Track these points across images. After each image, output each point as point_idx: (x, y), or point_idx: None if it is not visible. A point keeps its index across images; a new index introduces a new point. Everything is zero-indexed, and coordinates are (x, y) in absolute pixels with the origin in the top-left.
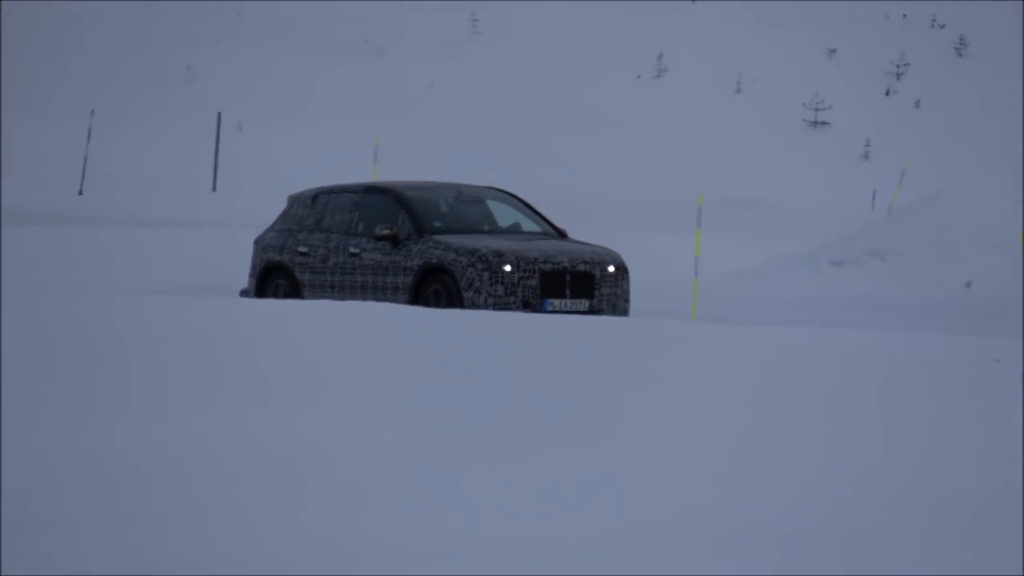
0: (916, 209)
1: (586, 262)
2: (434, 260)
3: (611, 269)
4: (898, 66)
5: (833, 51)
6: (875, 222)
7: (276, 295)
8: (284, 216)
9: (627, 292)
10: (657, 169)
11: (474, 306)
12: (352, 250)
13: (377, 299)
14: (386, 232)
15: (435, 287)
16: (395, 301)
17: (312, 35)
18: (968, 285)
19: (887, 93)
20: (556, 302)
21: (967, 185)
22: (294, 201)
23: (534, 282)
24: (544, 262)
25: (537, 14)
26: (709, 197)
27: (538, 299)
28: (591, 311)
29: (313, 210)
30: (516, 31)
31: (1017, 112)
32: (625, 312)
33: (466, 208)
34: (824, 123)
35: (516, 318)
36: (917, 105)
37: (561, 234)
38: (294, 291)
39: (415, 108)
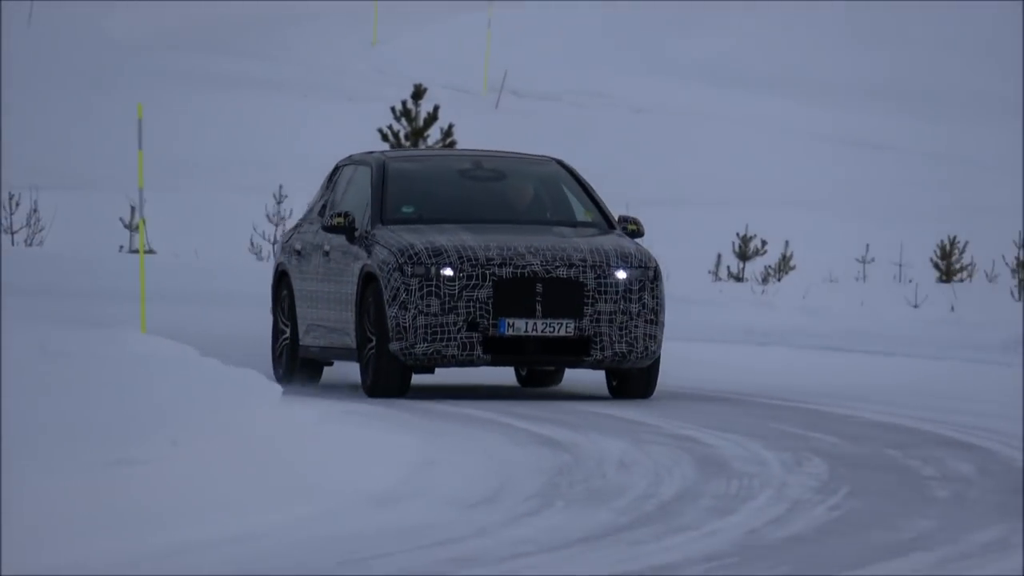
0: None
1: (572, 264)
2: (369, 262)
3: (620, 275)
4: None
5: None
6: None
7: (284, 310)
8: (312, 203)
9: (654, 311)
10: None
11: (399, 327)
12: (325, 247)
13: (333, 315)
14: (337, 221)
15: (369, 299)
16: (345, 319)
17: None
18: None
19: None
20: (518, 323)
21: None
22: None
23: (484, 293)
24: (502, 264)
25: None
26: None
27: (490, 318)
28: (578, 338)
29: (327, 191)
30: None
31: None
32: (649, 341)
33: (472, 187)
34: None
35: None
36: None
37: (612, 226)
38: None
39: None
